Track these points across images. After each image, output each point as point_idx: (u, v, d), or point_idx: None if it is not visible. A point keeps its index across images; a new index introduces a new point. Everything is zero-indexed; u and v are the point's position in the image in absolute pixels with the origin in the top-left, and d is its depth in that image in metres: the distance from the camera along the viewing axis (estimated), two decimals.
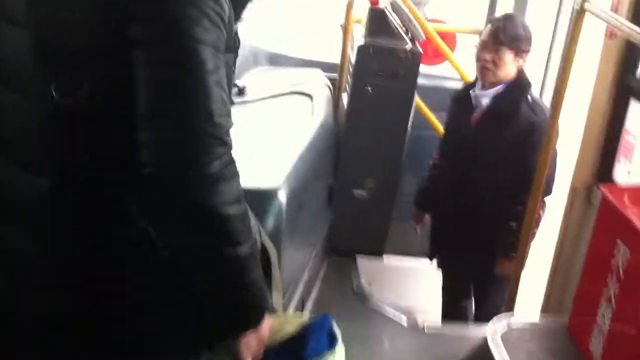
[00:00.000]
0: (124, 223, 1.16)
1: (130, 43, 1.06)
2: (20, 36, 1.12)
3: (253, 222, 1.34)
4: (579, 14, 2.24)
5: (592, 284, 1.91)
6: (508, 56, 2.73)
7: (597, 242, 1.99)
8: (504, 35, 2.71)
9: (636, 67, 2.37)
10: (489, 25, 2.83)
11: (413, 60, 3.25)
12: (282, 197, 2.24)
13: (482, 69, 2.77)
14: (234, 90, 3.12)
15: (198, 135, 1.08)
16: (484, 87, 2.83)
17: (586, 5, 2.18)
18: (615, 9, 2.30)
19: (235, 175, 1.14)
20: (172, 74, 1.07)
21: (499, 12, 3.79)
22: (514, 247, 2.62)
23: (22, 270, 1.20)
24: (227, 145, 1.12)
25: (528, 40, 2.76)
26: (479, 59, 2.78)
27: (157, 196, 1.10)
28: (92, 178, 1.14)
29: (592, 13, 2.17)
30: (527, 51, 2.76)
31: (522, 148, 2.69)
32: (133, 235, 1.16)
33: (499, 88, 2.78)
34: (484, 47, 2.76)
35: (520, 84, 2.78)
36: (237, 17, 1.20)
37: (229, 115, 1.13)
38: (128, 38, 1.06)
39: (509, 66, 2.74)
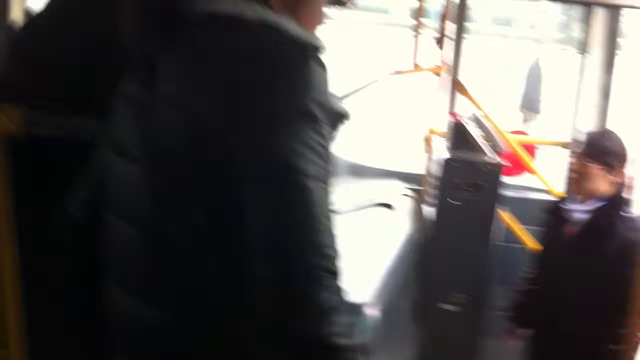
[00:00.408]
0: (237, 350, 1.16)
1: (238, 179, 1.08)
2: (135, 172, 1.17)
3: None
4: None
5: None
6: (596, 170, 2.68)
7: None
8: (593, 149, 2.69)
9: None
10: (586, 136, 2.82)
11: (495, 172, 3.25)
12: (371, 312, 2.21)
13: (571, 180, 2.75)
14: None
15: (308, 268, 1.08)
16: (576, 201, 2.78)
17: None
18: None
19: (344, 303, 1.13)
20: (280, 209, 1.08)
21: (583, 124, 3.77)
22: None
23: None
24: (336, 275, 1.11)
25: (620, 156, 2.70)
26: (570, 170, 2.77)
27: (270, 328, 1.10)
28: (205, 309, 1.16)
29: None
30: (619, 167, 2.70)
31: (620, 267, 2.58)
32: None
33: (592, 203, 2.72)
34: (575, 158, 2.75)
35: (615, 200, 2.71)
36: (332, 135, 1.23)
37: (335, 245, 1.12)
38: (236, 175, 1.09)
39: (597, 180, 2.69)
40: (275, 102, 1.09)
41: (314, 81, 1.11)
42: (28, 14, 1.70)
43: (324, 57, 1.17)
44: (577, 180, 2.71)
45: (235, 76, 1.10)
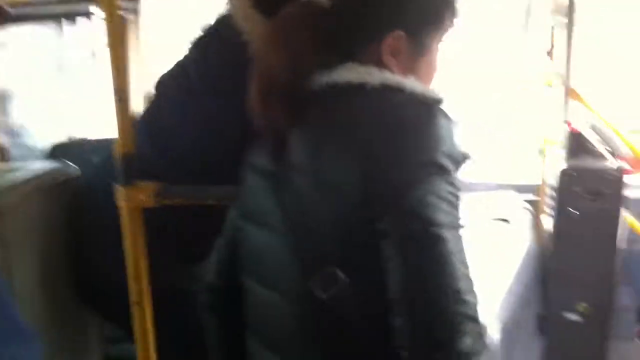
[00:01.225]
0: None
1: (377, 236, 1.16)
2: (275, 239, 1.27)
3: None
4: None
5: None
6: None
7: None
8: None
9: None
10: None
11: (617, 178, 3.14)
12: (494, 334, 2.19)
13: None
14: None
15: (448, 316, 1.12)
16: None
17: None
18: None
19: (484, 347, 1.17)
20: (419, 260, 1.14)
21: None
22: None
23: None
24: (476, 320, 1.16)
25: None
26: None
27: None
28: None
29: None
30: None
31: None
32: None
33: None
34: None
35: None
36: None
37: (474, 290, 1.17)
38: (375, 232, 1.16)
39: None
40: (408, 160, 1.16)
41: (442, 134, 1.18)
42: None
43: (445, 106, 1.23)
44: None
45: (367, 141, 1.18)
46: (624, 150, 3.33)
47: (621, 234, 3.19)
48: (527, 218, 3.50)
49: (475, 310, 1.16)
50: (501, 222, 3.33)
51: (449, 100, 1.27)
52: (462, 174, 1.28)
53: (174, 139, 1.73)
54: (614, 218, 3.15)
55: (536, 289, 3.17)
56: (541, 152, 3.53)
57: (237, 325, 1.40)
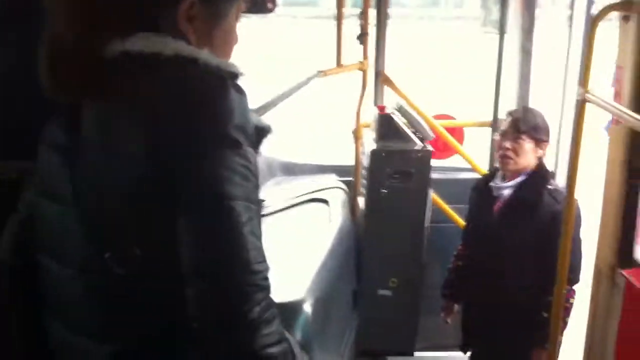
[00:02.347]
0: None
1: (169, 210, 1.14)
2: (68, 214, 1.21)
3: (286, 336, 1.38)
4: (581, 105, 2.31)
5: None
6: (528, 145, 2.80)
7: (626, 326, 1.99)
8: (524, 125, 2.80)
9: None
10: (509, 117, 2.91)
11: (424, 159, 3.35)
12: (308, 308, 2.25)
13: (503, 158, 2.84)
14: None
15: (237, 286, 1.13)
16: (504, 179, 2.88)
17: (587, 97, 2.25)
18: (617, 97, 2.37)
19: (275, 316, 1.19)
20: (211, 233, 1.14)
21: (502, 106, 3.90)
22: (547, 338, 2.59)
23: None
24: (266, 289, 1.17)
25: (546, 131, 2.85)
26: (500, 148, 2.86)
27: (207, 346, 1.16)
28: (150, 338, 1.21)
29: (594, 103, 2.23)
30: (546, 141, 2.84)
31: (547, 237, 2.70)
32: None
33: (519, 179, 2.83)
34: (504, 136, 2.84)
35: (540, 173, 2.84)
36: (256, 151, 1.28)
37: (264, 260, 1.18)
38: (167, 206, 1.14)
39: (529, 155, 2.81)
40: (199, 133, 1.15)
41: (234, 108, 1.17)
42: None
43: (240, 80, 1.23)
44: (509, 157, 2.81)
45: (158, 114, 1.15)
46: (431, 134, 3.54)
47: (428, 212, 3.40)
48: (343, 198, 3.63)
49: (265, 280, 1.17)
50: (320, 203, 3.44)
51: (248, 76, 1.28)
52: (267, 148, 1.30)
53: None
54: (421, 197, 3.36)
55: (351, 266, 3.30)
56: (355, 134, 3.66)
57: (33, 305, 1.33)
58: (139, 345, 1.22)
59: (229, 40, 1.35)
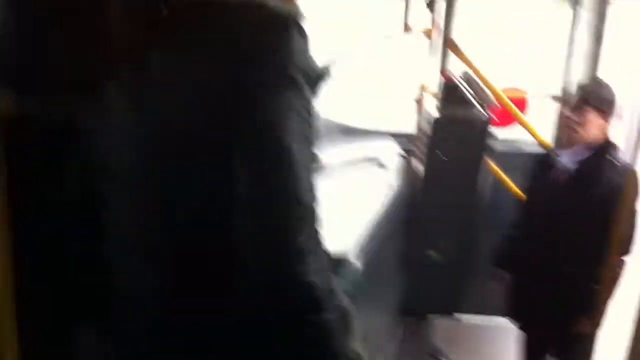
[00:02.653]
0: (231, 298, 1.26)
1: (226, 147, 1.18)
2: (131, 150, 1.25)
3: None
4: None
5: None
6: (594, 119, 2.75)
7: None
8: (592, 97, 2.75)
9: None
10: (579, 89, 2.87)
11: (485, 128, 3.32)
12: (357, 261, 2.29)
13: (569, 130, 2.80)
14: None
15: (288, 218, 1.18)
16: (569, 151, 2.84)
17: None
18: None
19: (321, 248, 1.22)
20: (265, 168, 1.18)
21: (573, 76, 3.81)
22: (595, 308, 2.57)
23: None
24: (314, 221, 1.20)
25: (614, 104, 2.79)
26: (565, 119, 2.81)
27: (254, 272, 1.20)
28: (202, 265, 1.25)
29: None
30: (613, 115, 2.77)
31: (607, 210, 2.66)
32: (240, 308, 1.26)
33: (584, 152, 2.78)
34: (572, 108, 2.80)
35: (605, 147, 2.78)
36: (315, 94, 1.31)
37: (316, 198, 1.21)
38: (225, 143, 1.18)
39: (594, 128, 2.76)
40: (260, 72, 1.18)
41: (295, 49, 1.20)
42: None
43: (304, 24, 1.24)
44: (574, 129, 2.77)
45: (221, 54, 1.18)
46: (495, 103, 3.49)
47: (485, 181, 3.38)
48: (401, 163, 3.64)
49: (314, 212, 1.21)
50: (378, 167, 3.46)
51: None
52: (327, 110, 1.32)
53: (29, 48, 1.63)
54: (480, 165, 3.34)
55: (404, 229, 3.32)
56: (418, 102, 3.65)
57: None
58: (190, 273, 1.26)
59: None
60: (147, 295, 1.30)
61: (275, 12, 1.23)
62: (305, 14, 1.28)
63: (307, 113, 1.22)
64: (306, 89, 1.22)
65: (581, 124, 2.76)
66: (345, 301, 1.49)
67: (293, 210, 1.18)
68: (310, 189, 1.22)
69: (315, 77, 1.28)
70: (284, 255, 1.19)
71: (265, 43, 1.20)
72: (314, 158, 1.26)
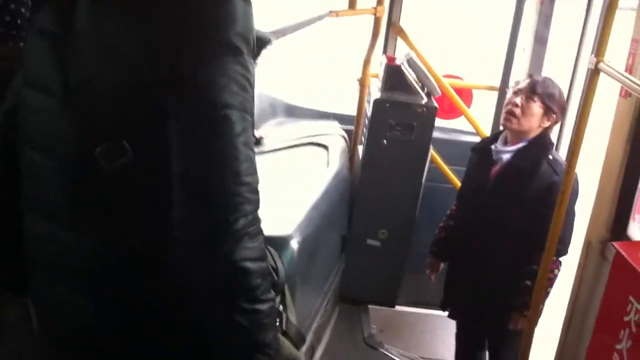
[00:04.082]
0: (162, 278, 1.20)
1: (166, 112, 1.12)
2: (56, 106, 1.17)
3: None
4: (593, 74, 2.27)
5: (605, 340, 1.89)
6: (537, 109, 2.75)
7: (610, 298, 1.98)
8: (541, 88, 2.76)
9: None
10: (529, 77, 2.87)
11: (428, 115, 3.30)
12: (295, 244, 2.26)
13: (509, 114, 2.79)
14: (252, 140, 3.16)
15: (226, 194, 1.13)
16: (505, 143, 2.85)
17: (600, 66, 2.21)
18: (629, 70, 2.32)
19: (259, 232, 1.19)
20: (203, 139, 1.13)
21: (515, 70, 3.85)
22: (528, 305, 2.59)
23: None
24: (253, 203, 1.17)
25: (560, 105, 2.78)
26: (508, 103, 2.81)
27: (189, 250, 1.16)
28: (134, 237, 1.18)
29: (607, 73, 2.19)
30: (556, 114, 2.77)
31: (541, 206, 2.67)
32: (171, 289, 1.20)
33: (520, 144, 2.80)
34: (517, 93, 2.80)
35: (542, 142, 2.79)
36: (255, 61, 1.25)
37: (255, 172, 1.18)
38: (164, 108, 1.12)
39: (534, 120, 2.76)
40: (198, 36, 1.12)
41: (237, 15, 1.14)
42: None
43: None
44: (515, 115, 2.77)
45: (157, 14, 1.12)
46: (438, 90, 3.49)
47: (425, 169, 3.38)
48: (343, 146, 3.61)
49: (254, 194, 1.17)
50: (320, 148, 3.42)
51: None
52: (262, 57, 1.27)
53: None
54: (421, 152, 3.33)
55: (343, 213, 3.30)
56: (361, 82, 3.61)
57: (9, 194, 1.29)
58: (120, 247, 1.19)
59: None
60: (78, 266, 1.22)
61: None
62: None
63: (246, 81, 1.17)
64: (246, 56, 1.17)
65: (522, 110, 2.77)
66: (279, 290, 1.46)
67: (231, 185, 1.14)
68: (252, 166, 1.17)
69: (257, 44, 1.23)
70: (221, 237, 1.14)
71: (203, 3, 1.14)
72: (252, 129, 1.21)
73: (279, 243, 2.20)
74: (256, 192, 1.18)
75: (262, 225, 1.21)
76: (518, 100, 2.77)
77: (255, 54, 1.22)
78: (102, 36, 1.13)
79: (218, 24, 1.13)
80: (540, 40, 3.78)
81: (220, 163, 1.13)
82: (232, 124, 1.13)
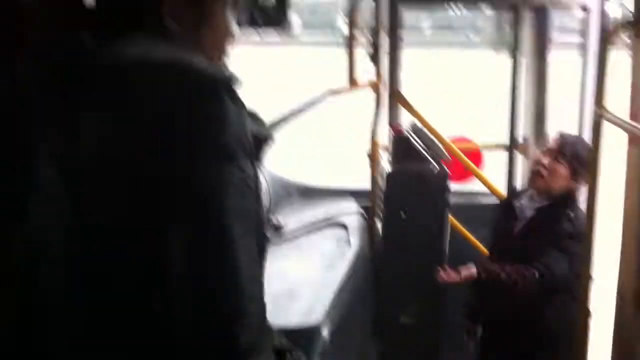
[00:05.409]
0: None
1: (163, 224, 1.09)
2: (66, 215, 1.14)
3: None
4: (597, 124, 2.28)
5: None
6: (564, 170, 2.77)
7: None
8: (569, 150, 2.77)
9: None
10: (558, 137, 2.89)
11: (441, 181, 3.31)
12: (326, 332, 2.23)
13: (536, 174, 2.81)
14: (271, 228, 3.18)
15: (225, 307, 1.09)
16: (531, 199, 2.86)
17: (604, 116, 2.22)
18: (634, 117, 2.33)
19: (268, 347, 1.15)
20: (202, 251, 1.09)
21: (521, 127, 3.88)
22: (489, 275, 2.72)
23: None
24: (255, 315, 1.12)
25: (586, 164, 2.79)
26: (536, 163, 2.83)
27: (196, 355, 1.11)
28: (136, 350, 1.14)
29: (612, 122, 2.20)
30: (583, 175, 2.77)
31: (563, 257, 2.67)
32: None
33: (545, 203, 2.80)
34: (546, 153, 2.82)
35: (566, 200, 2.79)
36: (257, 161, 1.23)
37: (258, 280, 1.14)
38: (161, 220, 1.09)
39: (561, 180, 2.78)
40: (193, 145, 1.09)
41: (229, 117, 1.11)
42: None
43: (238, 87, 1.16)
44: (542, 175, 2.78)
45: (151, 124, 1.09)
46: (447, 155, 3.51)
47: (446, 236, 3.37)
48: (362, 223, 3.61)
49: (257, 304, 1.13)
50: (339, 228, 3.42)
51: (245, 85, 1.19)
52: (264, 156, 1.25)
53: None
54: (440, 220, 3.32)
55: (369, 291, 3.27)
56: (370, 157, 3.63)
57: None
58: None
59: (222, 39, 1.28)
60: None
61: (203, 77, 1.14)
62: (240, 78, 1.19)
63: (248, 187, 1.12)
64: (244, 160, 1.12)
65: (549, 170, 2.78)
66: None
67: (234, 301, 1.09)
68: (254, 277, 1.12)
69: (255, 145, 1.20)
70: (224, 355, 1.09)
71: (194, 110, 1.10)
72: (259, 238, 1.17)
73: (310, 333, 2.18)
74: (260, 301, 1.13)
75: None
76: (546, 160, 2.79)
77: (257, 153, 1.21)
78: (100, 156, 1.12)
79: (209, 130, 1.10)
80: (540, 96, 3.82)
81: (218, 273, 1.09)
82: (235, 236, 1.09)
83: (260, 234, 1.21)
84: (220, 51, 1.29)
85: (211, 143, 1.10)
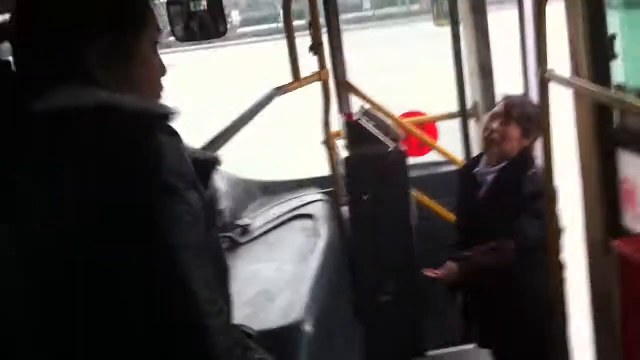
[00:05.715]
0: None
1: (112, 271, 1.07)
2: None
3: None
4: (543, 84, 2.33)
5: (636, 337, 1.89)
6: (515, 132, 2.81)
7: (626, 296, 1.99)
8: (516, 111, 2.81)
9: (611, 117, 2.42)
10: (504, 100, 2.92)
11: (399, 160, 3.33)
12: (309, 328, 2.22)
13: (488, 140, 2.85)
14: (239, 230, 3.17)
15: (191, 347, 1.07)
16: (488, 165, 2.89)
17: (548, 75, 2.26)
18: (576, 72, 2.38)
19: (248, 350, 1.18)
20: (155, 287, 1.08)
21: (468, 94, 3.92)
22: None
23: None
24: (223, 334, 1.11)
25: (536, 121, 2.81)
26: (486, 129, 2.86)
27: None
28: None
29: (556, 81, 2.25)
30: (534, 132, 2.81)
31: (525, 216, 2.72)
32: None
33: (502, 165, 2.84)
34: (494, 118, 2.85)
35: (522, 160, 2.84)
36: (206, 186, 1.22)
37: (218, 312, 1.12)
38: (109, 266, 1.07)
39: (514, 142, 2.82)
40: (132, 185, 1.08)
41: (164, 152, 1.10)
42: None
43: (172, 119, 1.16)
44: (496, 142, 2.82)
45: (85, 172, 1.08)
46: (402, 134, 3.53)
47: (413, 211, 3.40)
48: (327, 210, 3.61)
49: (221, 326, 1.12)
50: (305, 219, 3.41)
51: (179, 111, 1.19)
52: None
53: None
54: (403, 197, 3.35)
55: (345, 278, 3.28)
56: (327, 144, 3.64)
57: None
58: None
59: (152, 75, 1.28)
60: None
61: (135, 114, 1.13)
62: (175, 108, 1.19)
63: (191, 217, 1.10)
64: (188, 192, 1.11)
65: (500, 134, 2.82)
66: None
67: (195, 338, 1.07)
68: (212, 306, 1.10)
69: (203, 169, 1.20)
70: None
71: (128, 150, 1.10)
72: (218, 261, 1.17)
73: (292, 331, 2.17)
74: (222, 325, 1.12)
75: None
76: (496, 125, 2.83)
77: (205, 178, 1.20)
78: (42, 207, 1.10)
79: (146, 168, 1.09)
80: (484, 61, 3.85)
81: (180, 313, 1.08)
82: (183, 264, 1.07)
83: (218, 258, 1.21)
84: (154, 84, 1.28)
85: (149, 181, 1.08)
